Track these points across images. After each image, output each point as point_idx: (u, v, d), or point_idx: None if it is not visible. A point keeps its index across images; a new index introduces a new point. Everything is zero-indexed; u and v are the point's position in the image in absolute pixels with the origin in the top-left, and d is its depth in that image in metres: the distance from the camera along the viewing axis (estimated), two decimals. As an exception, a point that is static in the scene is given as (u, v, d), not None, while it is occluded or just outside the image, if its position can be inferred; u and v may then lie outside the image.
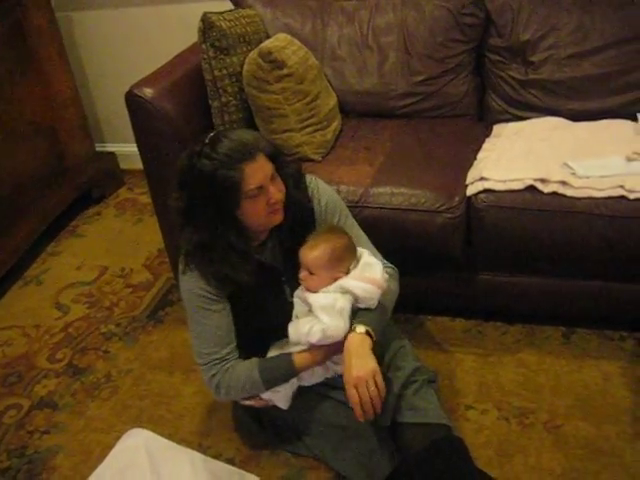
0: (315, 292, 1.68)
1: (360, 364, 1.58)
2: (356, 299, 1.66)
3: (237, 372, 1.71)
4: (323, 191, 1.81)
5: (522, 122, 2.41)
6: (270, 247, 1.75)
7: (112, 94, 3.36)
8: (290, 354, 1.72)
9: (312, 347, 1.69)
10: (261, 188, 1.61)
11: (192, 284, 1.72)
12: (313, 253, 1.67)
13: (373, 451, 1.72)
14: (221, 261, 1.65)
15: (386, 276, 1.70)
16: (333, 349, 1.67)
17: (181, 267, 1.73)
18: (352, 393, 1.57)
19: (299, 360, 1.70)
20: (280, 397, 1.77)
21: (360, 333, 1.62)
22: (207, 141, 1.60)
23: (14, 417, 2.14)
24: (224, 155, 1.57)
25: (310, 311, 1.68)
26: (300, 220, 1.74)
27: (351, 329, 1.63)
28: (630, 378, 2.02)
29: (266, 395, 1.76)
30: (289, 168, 1.74)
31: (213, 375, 1.72)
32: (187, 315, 1.76)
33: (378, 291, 1.66)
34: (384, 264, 1.80)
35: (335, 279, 1.68)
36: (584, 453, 1.81)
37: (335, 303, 1.63)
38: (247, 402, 1.80)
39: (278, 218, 1.68)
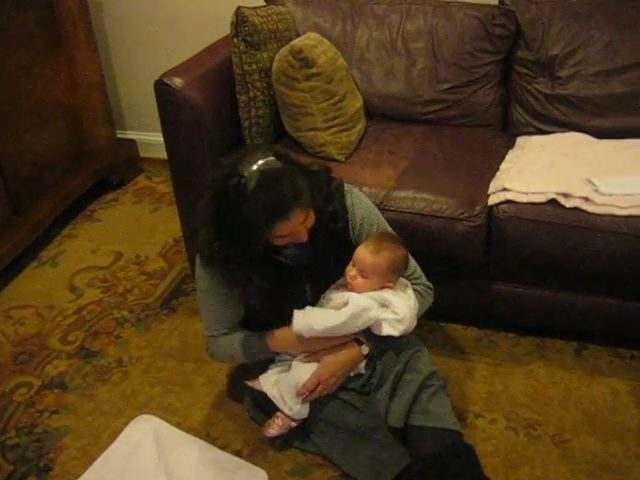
0: (355, 293, 1.72)
1: (339, 374, 1.76)
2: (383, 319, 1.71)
3: (224, 343, 1.85)
4: (359, 204, 1.80)
5: (546, 136, 2.42)
6: (294, 250, 1.74)
7: (137, 81, 3.39)
8: (267, 333, 1.80)
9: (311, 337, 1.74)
10: (289, 234, 1.62)
11: (203, 272, 1.76)
12: (374, 259, 1.70)
13: (382, 453, 1.74)
14: (238, 270, 1.68)
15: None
16: (308, 345, 1.76)
17: (198, 258, 1.76)
18: (312, 383, 1.74)
19: (273, 342, 1.79)
20: (296, 412, 1.80)
21: (363, 354, 1.76)
22: (243, 178, 1.52)
23: (24, 395, 2.16)
24: (257, 209, 1.52)
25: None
26: (333, 230, 1.75)
27: (359, 341, 1.75)
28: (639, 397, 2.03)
29: (284, 410, 1.81)
30: (323, 189, 1.73)
31: (209, 346, 1.90)
32: (197, 291, 1.86)
33: (403, 330, 1.71)
34: (419, 280, 1.85)
35: (382, 287, 1.72)
36: (590, 468, 1.82)
37: (370, 310, 1.68)
38: (270, 431, 1.86)
39: (303, 240, 1.66)
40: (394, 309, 1.71)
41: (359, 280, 1.72)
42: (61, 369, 2.25)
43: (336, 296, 1.76)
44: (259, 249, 1.63)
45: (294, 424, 1.84)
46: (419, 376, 1.71)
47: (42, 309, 2.54)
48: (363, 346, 1.76)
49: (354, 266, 1.73)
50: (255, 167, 1.54)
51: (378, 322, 1.71)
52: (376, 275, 1.72)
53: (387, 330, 1.71)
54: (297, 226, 1.60)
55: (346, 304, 1.70)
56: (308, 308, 1.74)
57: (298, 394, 1.76)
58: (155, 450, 1.92)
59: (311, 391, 1.75)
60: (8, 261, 2.66)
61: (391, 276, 1.75)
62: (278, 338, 1.79)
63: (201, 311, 1.89)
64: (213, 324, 1.85)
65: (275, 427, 1.85)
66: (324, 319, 1.69)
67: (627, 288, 2.05)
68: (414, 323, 1.73)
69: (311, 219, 1.65)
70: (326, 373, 1.75)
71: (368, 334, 1.75)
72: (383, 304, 1.72)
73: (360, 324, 1.71)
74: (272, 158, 1.57)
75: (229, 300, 1.78)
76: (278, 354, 1.85)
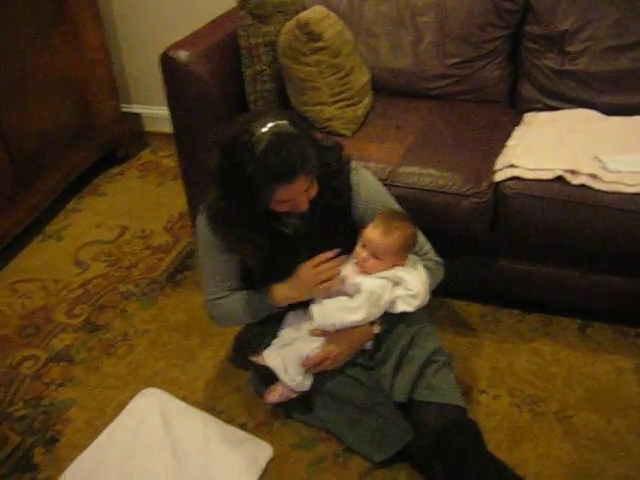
0: (367, 274, 1.72)
1: (348, 352, 1.77)
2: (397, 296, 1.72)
3: (224, 306, 1.83)
4: (364, 182, 1.80)
5: (554, 112, 2.40)
6: (295, 220, 1.74)
7: (142, 55, 3.36)
8: (270, 288, 1.78)
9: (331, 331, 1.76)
10: (290, 200, 1.61)
11: (206, 230, 1.75)
12: (386, 240, 1.69)
13: (386, 427, 1.75)
14: (239, 230, 1.67)
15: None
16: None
17: (201, 210, 1.76)
18: (319, 357, 1.75)
19: (274, 293, 1.77)
20: (298, 383, 1.81)
21: (374, 332, 1.76)
22: (255, 137, 1.52)
23: (31, 368, 2.17)
24: (263, 169, 1.52)
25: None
26: (334, 206, 1.75)
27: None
28: (643, 375, 2.04)
29: (285, 381, 1.81)
30: (332, 165, 1.73)
31: (208, 302, 1.86)
32: (198, 246, 1.85)
33: (417, 305, 1.72)
34: (429, 255, 1.85)
35: (394, 266, 1.72)
36: (593, 444, 1.83)
37: (384, 293, 1.69)
38: (270, 397, 1.87)
39: (303, 209, 1.66)
40: (407, 285, 1.72)
41: (371, 262, 1.72)
42: (67, 342, 2.27)
43: (348, 279, 1.75)
44: (260, 210, 1.63)
45: (293, 395, 1.85)
46: (424, 352, 1.71)
47: (48, 283, 2.55)
48: (375, 325, 1.76)
49: (364, 247, 1.73)
50: (267, 128, 1.53)
51: (392, 300, 1.72)
52: (389, 255, 1.72)
53: (401, 307, 1.72)
54: (299, 194, 1.60)
55: (359, 291, 1.71)
56: (325, 303, 1.75)
57: (303, 365, 1.76)
58: (160, 423, 1.94)
59: (316, 364, 1.76)
60: (13, 235, 2.66)
61: (403, 254, 1.75)
62: (280, 289, 1.78)
63: (201, 271, 1.87)
64: (212, 285, 1.83)
65: (275, 394, 1.87)
66: (343, 315, 1.72)
67: (633, 266, 2.04)
68: (427, 298, 1.75)
69: (314, 190, 1.65)
70: (335, 349, 1.75)
71: None
72: (396, 282, 1.72)
73: (377, 312, 1.73)
74: (286, 122, 1.56)
75: (229, 260, 1.78)
76: (280, 324, 1.87)
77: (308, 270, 1.71)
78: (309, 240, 1.76)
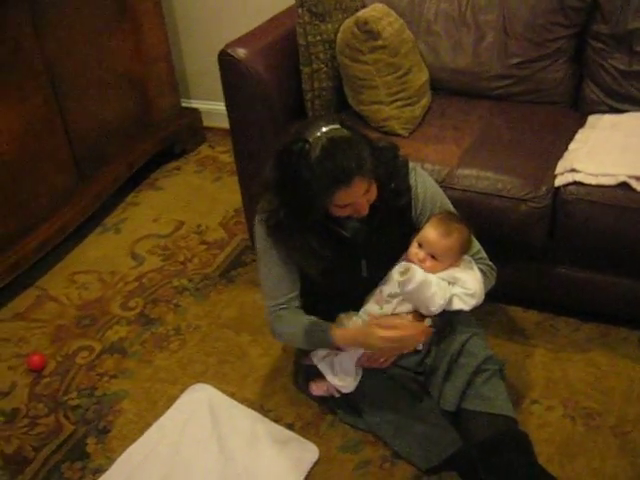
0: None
1: (397, 348, 1.71)
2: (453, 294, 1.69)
3: (288, 321, 1.79)
4: (422, 182, 1.77)
5: (619, 115, 2.31)
6: (355, 223, 1.71)
7: (202, 51, 3.39)
8: (332, 326, 1.73)
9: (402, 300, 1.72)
10: (350, 203, 1.59)
11: (266, 241, 1.74)
12: (447, 241, 1.67)
13: (434, 435, 1.72)
14: (299, 237, 1.66)
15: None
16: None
17: (258, 220, 1.74)
18: (365, 357, 1.73)
19: (337, 335, 1.71)
20: (345, 385, 1.80)
21: (427, 327, 1.71)
22: (308, 143, 1.52)
23: (86, 358, 2.22)
24: (319, 175, 1.51)
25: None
26: (394, 207, 1.73)
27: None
28: None
29: (333, 381, 1.80)
30: (389, 165, 1.71)
31: (269, 314, 1.83)
32: (257, 254, 1.83)
33: (473, 304, 1.70)
34: (483, 260, 1.82)
35: (450, 266, 1.70)
36: (651, 463, 1.77)
37: (446, 291, 1.67)
38: (315, 390, 1.88)
39: (363, 213, 1.64)
40: (464, 284, 1.69)
41: (429, 263, 1.69)
42: (121, 334, 2.31)
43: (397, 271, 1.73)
44: (319, 217, 1.62)
45: (337, 394, 1.85)
46: (474, 360, 1.67)
47: (105, 275, 2.60)
48: (427, 319, 1.72)
49: (421, 247, 1.70)
50: (320, 133, 1.53)
51: (449, 298, 1.69)
52: (447, 257, 1.69)
53: (458, 305, 1.69)
54: (358, 197, 1.58)
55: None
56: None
57: (358, 362, 1.76)
58: (209, 419, 1.96)
59: (369, 360, 1.75)
60: (73, 227, 2.73)
61: (460, 256, 1.73)
62: (345, 332, 1.74)
63: (261, 278, 1.84)
64: (273, 291, 1.80)
65: (320, 389, 1.87)
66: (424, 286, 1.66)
67: (700, 277, 1.96)
68: (483, 297, 1.72)
69: (373, 192, 1.63)
70: (382, 351, 1.73)
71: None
72: (450, 282, 1.70)
73: (423, 297, 1.66)
74: (338, 126, 1.56)
75: (290, 269, 1.76)
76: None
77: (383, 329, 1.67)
78: (369, 245, 1.74)
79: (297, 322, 1.78)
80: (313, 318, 1.77)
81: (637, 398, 1.94)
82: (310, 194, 1.54)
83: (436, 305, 1.64)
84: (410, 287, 1.62)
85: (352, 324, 1.77)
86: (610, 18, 2.33)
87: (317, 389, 1.88)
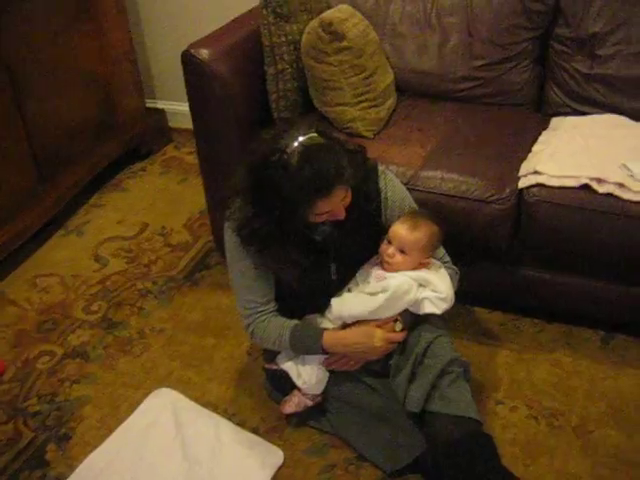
0: (393, 272, 1.70)
1: (368, 353, 1.71)
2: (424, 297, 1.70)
3: (270, 328, 1.76)
4: (392, 186, 1.78)
5: (582, 117, 2.34)
6: (326, 227, 1.70)
7: (167, 51, 3.35)
8: (322, 331, 1.72)
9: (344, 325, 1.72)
10: (329, 211, 1.59)
11: (238, 250, 1.72)
12: (415, 234, 1.68)
13: (399, 437, 1.72)
14: (276, 245, 1.64)
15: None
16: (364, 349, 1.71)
17: (229, 227, 1.71)
18: (334, 358, 1.74)
19: (328, 339, 1.71)
20: (312, 387, 1.80)
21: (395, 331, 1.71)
22: (286, 155, 1.49)
23: (47, 364, 2.18)
24: (299, 185, 1.49)
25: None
26: (365, 211, 1.73)
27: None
28: (668, 391, 1.98)
29: (298, 383, 1.80)
30: (361, 169, 1.70)
31: (249, 324, 1.78)
32: (227, 262, 1.79)
33: (445, 308, 1.71)
34: (447, 263, 1.82)
35: (419, 265, 1.71)
36: (612, 462, 1.78)
37: (410, 290, 1.67)
38: (286, 408, 1.86)
39: (341, 217, 1.63)
40: (435, 288, 1.70)
41: (398, 257, 1.70)
42: (83, 339, 2.27)
43: (374, 277, 1.73)
44: (299, 226, 1.62)
45: (310, 403, 1.83)
46: (439, 362, 1.67)
47: (67, 278, 2.56)
48: (397, 323, 1.72)
49: (390, 244, 1.71)
50: (297, 143, 1.50)
51: (418, 301, 1.70)
52: (416, 251, 1.70)
53: (429, 308, 1.70)
54: (336, 204, 1.58)
55: (385, 288, 1.68)
56: (345, 295, 1.74)
57: (323, 363, 1.76)
58: (173, 424, 1.93)
59: (336, 360, 1.75)
60: (35, 229, 2.68)
61: (429, 252, 1.74)
62: (332, 335, 1.73)
63: (235, 287, 1.79)
64: (250, 300, 1.76)
65: (291, 404, 1.85)
66: (363, 303, 1.69)
67: (660, 278, 1.98)
68: (453, 301, 1.73)
69: (349, 197, 1.63)
70: (349, 353, 1.73)
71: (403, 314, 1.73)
72: (421, 284, 1.70)
73: (399, 307, 1.70)
74: (314, 134, 1.54)
75: (263, 272, 1.74)
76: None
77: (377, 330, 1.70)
78: (338, 248, 1.73)
79: (280, 327, 1.75)
80: (296, 321, 1.76)
81: (599, 398, 1.96)
82: (291, 205, 1.53)
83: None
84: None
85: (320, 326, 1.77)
86: (572, 22, 2.36)
87: (288, 407, 1.86)
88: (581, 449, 1.81)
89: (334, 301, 1.73)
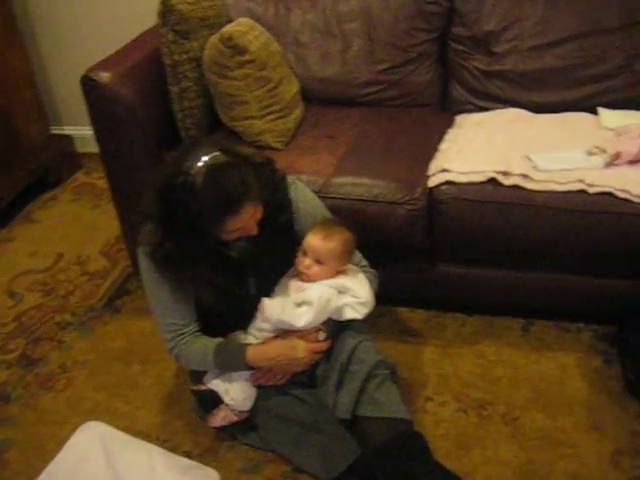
0: (312, 282, 1.70)
1: (292, 365, 1.73)
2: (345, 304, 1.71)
3: (194, 349, 1.75)
4: (302, 195, 1.79)
5: (484, 113, 2.41)
6: (241, 243, 1.69)
7: (69, 75, 3.24)
8: (246, 346, 1.72)
9: (276, 330, 1.73)
10: (240, 228, 1.58)
11: (154, 275, 1.69)
12: (329, 244, 1.68)
13: (333, 445, 1.72)
14: (190, 266, 1.62)
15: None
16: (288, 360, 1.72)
17: (142, 252, 1.68)
18: (260, 374, 1.74)
19: (251, 354, 1.71)
20: (240, 404, 1.78)
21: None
22: (191, 176, 1.47)
23: (-36, 410, 2.09)
24: (207, 205, 1.48)
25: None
26: (278, 223, 1.73)
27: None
28: (586, 369, 2.05)
29: (226, 399, 1.78)
30: (269, 182, 1.70)
31: (172, 347, 1.77)
32: (144, 286, 1.76)
33: (365, 313, 1.72)
34: (365, 267, 1.84)
35: (337, 272, 1.72)
36: (540, 444, 1.83)
37: (331, 299, 1.68)
38: (212, 421, 1.84)
39: (253, 233, 1.63)
40: (354, 293, 1.71)
41: (315, 268, 1.70)
42: (1, 379, 2.18)
43: (293, 289, 1.73)
44: (211, 245, 1.60)
45: (235, 418, 1.82)
46: (365, 366, 1.68)
47: (-20, 317, 2.45)
48: (320, 332, 1.73)
49: (306, 255, 1.71)
50: (201, 163, 1.49)
51: (339, 308, 1.70)
52: (332, 260, 1.70)
53: (350, 314, 1.71)
54: (247, 220, 1.57)
55: (306, 301, 1.68)
56: (278, 298, 1.73)
57: (250, 378, 1.75)
58: (103, 457, 1.86)
59: (263, 375, 1.75)
60: (-59, 270, 2.56)
61: (346, 259, 1.75)
62: (260, 351, 1.72)
63: (154, 312, 1.77)
64: (170, 324, 1.74)
65: (217, 418, 1.83)
66: (292, 318, 1.68)
67: (569, 262, 2.06)
68: (374, 305, 1.74)
69: (259, 212, 1.62)
70: (275, 366, 1.73)
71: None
72: (341, 291, 1.71)
73: (323, 317, 1.70)
74: (217, 153, 1.52)
75: (181, 295, 1.72)
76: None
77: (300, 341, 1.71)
78: (255, 262, 1.73)
79: (204, 347, 1.74)
80: (220, 340, 1.75)
81: (523, 383, 2.02)
82: (200, 226, 1.52)
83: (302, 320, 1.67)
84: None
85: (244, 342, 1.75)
86: (467, 21, 2.43)
87: (214, 420, 1.84)
88: (510, 435, 1.86)
89: (266, 300, 1.70)
